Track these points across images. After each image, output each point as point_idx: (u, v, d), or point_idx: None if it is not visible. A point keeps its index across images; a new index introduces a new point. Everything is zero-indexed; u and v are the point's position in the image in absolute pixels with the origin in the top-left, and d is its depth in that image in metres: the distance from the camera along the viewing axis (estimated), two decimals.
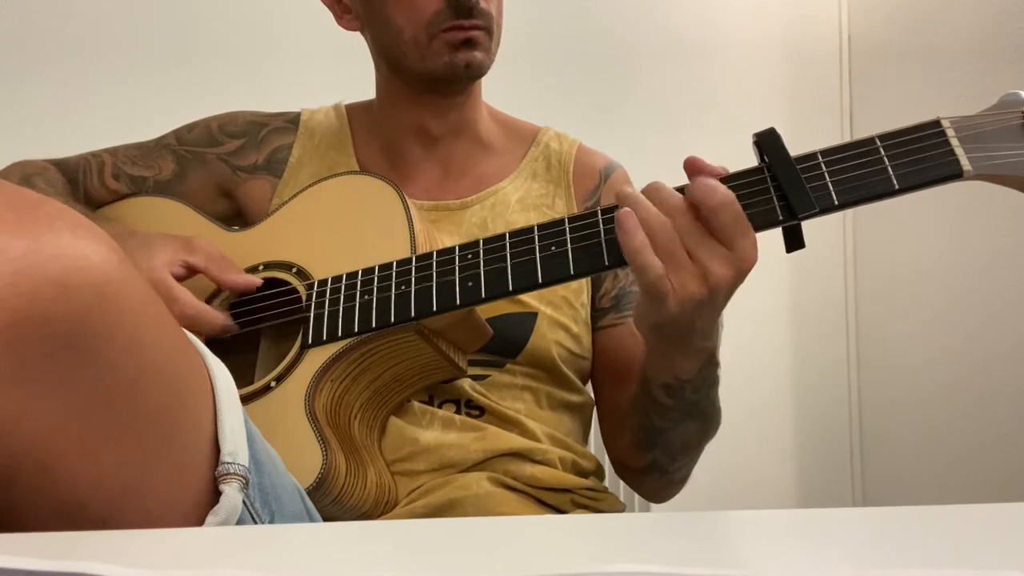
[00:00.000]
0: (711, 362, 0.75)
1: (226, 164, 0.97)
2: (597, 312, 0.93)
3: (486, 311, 0.83)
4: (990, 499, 0.61)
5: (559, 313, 0.88)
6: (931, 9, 1.75)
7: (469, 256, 0.75)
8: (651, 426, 0.81)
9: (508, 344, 0.86)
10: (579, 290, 0.91)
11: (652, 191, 0.68)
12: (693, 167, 0.68)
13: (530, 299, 0.87)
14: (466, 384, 0.84)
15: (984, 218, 1.62)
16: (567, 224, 0.73)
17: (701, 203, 0.65)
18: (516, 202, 0.92)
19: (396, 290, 0.76)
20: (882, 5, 1.90)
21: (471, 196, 0.93)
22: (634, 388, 0.81)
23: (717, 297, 0.66)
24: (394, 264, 0.78)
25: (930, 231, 1.75)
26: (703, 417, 0.81)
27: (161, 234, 0.86)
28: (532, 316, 0.86)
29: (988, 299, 1.62)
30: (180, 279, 0.82)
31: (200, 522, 0.47)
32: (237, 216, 0.97)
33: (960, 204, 1.65)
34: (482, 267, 0.74)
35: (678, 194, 0.66)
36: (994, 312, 1.61)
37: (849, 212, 1.96)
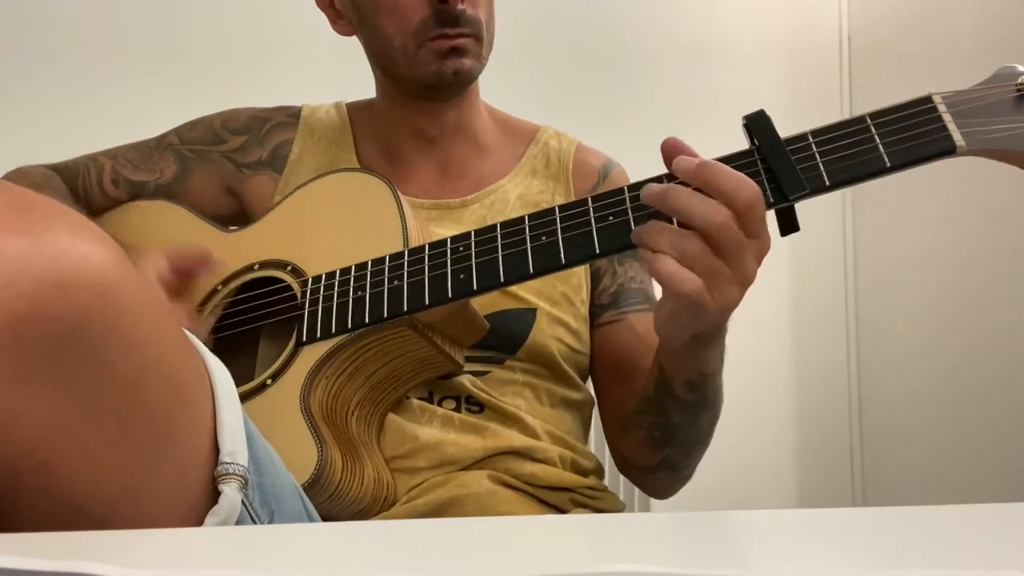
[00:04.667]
0: (723, 348, 0.76)
1: (231, 161, 0.97)
2: (596, 308, 0.92)
3: (485, 307, 0.83)
4: (990, 499, 0.61)
5: (559, 309, 0.88)
6: (931, 9, 1.75)
7: (460, 248, 0.75)
8: (668, 423, 0.81)
9: (507, 340, 0.86)
10: (579, 286, 0.90)
11: (684, 206, 0.63)
12: (674, 149, 0.66)
13: (529, 295, 0.86)
14: (466, 380, 0.84)
15: (984, 214, 1.62)
16: (558, 214, 0.72)
17: (734, 201, 0.62)
18: (516, 199, 0.92)
19: (388, 284, 0.76)
20: (882, 5, 1.90)
21: (470, 195, 0.93)
22: (649, 389, 0.80)
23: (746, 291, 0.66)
24: (387, 258, 0.78)
25: (930, 229, 1.75)
26: (714, 406, 0.81)
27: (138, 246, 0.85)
28: (531, 312, 0.86)
29: (989, 298, 1.62)
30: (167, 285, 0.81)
31: (199, 522, 0.47)
32: (242, 214, 0.97)
33: (960, 199, 1.66)
34: (474, 259, 0.74)
35: (722, 209, 0.62)
36: (995, 312, 1.61)
37: (849, 210, 1.96)
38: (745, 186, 0.63)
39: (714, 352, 0.73)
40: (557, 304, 0.88)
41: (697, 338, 0.70)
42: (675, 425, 0.81)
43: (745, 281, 0.64)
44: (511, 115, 1.01)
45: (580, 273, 0.91)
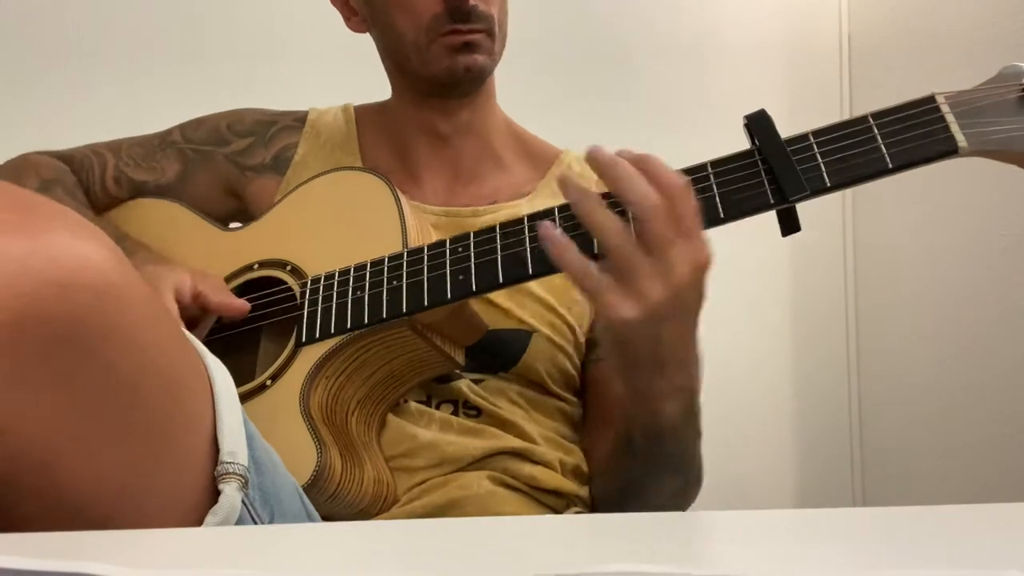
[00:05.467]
0: (692, 409, 0.70)
1: (234, 164, 0.96)
2: (589, 340, 0.90)
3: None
4: (990, 499, 0.61)
5: (557, 334, 0.86)
6: (931, 9, 1.75)
7: (459, 249, 0.75)
8: (630, 483, 0.78)
9: (500, 359, 0.85)
10: (581, 316, 0.88)
11: (620, 182, 0.62)
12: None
13: (530, 317, 0.85)
14: (463, 385, 0.84)
15: (985, 214, 1.62)
16: (557, 214, 0.72)
17: (664, 191, 0.61)
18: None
19: (387, 285, 0.76)
20: (882, 5, 1.90)
21: (482, 206, 0.91)
22: (612, 443, 0.77)
23: (678, 298, 0.62)
24: (385, 259, 0.78)
25: (931, 229, 1.75)
26: (685, 472, 0.77)
27: (186, 265, 0.85)
28: (528, 335, 0.85)
29: (989, 299, 1.62)
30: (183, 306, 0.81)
31: (199, 522, 0.47)
32: (243, 215, 0.97)
33: (961, 200, 1.66)
34: (472, 260, 0.74)
35: (656, 194, 0.61)
36: (995, 312, 1.61)
37: (849, 209, 1.96)
38: (677, 178, 0.62)
39: (669, 403, 0.67)
40: (556, 330, 0.86)
41: (631, 355, 0.65)
42: (637, 484, 0.77)
43: (671, 280, 0.61)
44: (532, 134, 1.00)
45: (585, 304, 0.88)
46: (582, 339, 0.89)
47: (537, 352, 0.85)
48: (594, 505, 0.88)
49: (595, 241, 0.65)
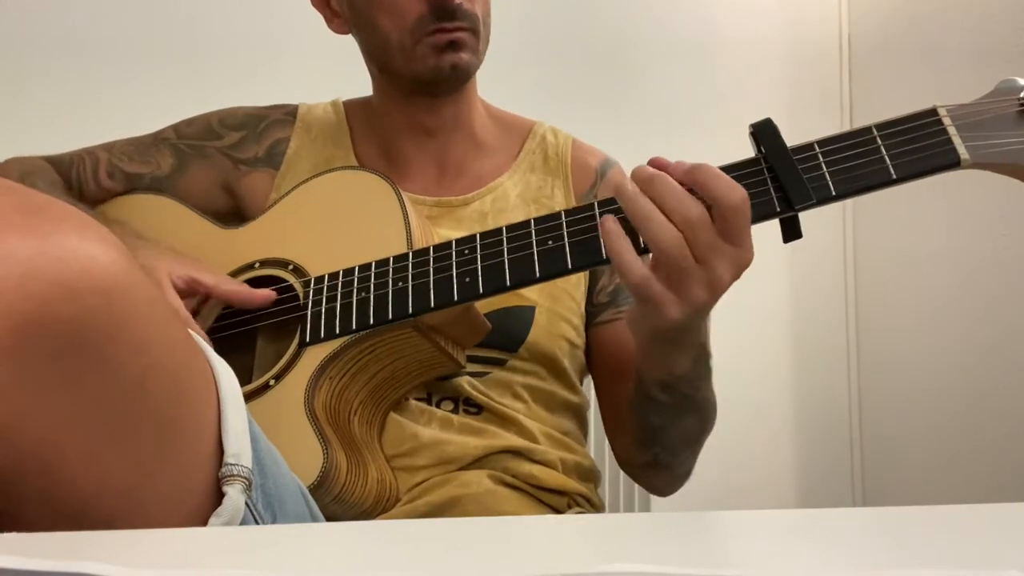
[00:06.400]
0: (703, 355, 0.75)
1: (227, 158, 0.96)
2: (595, 307, 0.92)
3: (485, 305, 0.83)
4: (990, 499, 0.61)
5: (559, 306, 0.88)
6: (931, 8, 1.76)
7: (466, 251, 0.75)
8: (649, 424, 0.81)
9: (508, 338, 0.86)
10: (576, 283, 0.91)
11: (663, 194, 0.64)
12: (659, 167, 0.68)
13: (529, 292, 0.86)
14: (464, 382, 0.84)
15: (983, 215, 1.62)
16: (564, 218, 0.73)
17: (718, 201, 0.63)
18: (516, 196, 0.92)
19: (393, 286, 0.76)
20: (882, 5, 1.90)
21: (471, 193, 0.93)
22: (630, 388, 0.81)
23: (717, 298, 0.65)
24: (391, 260, 0.78)
25: (930, 230, 1.75)
26: (699, 410, 0.81)
27: (172, 248, 0.85)
28: (531, 309, 0.86)
29: (988, 299, 1.62)
30: (178, 291, 0.81)
31: (203, 523, 0.47)
32: (236, 211, 0.97)
33: (960, 201, 1.66)
34: (479, 262, 0.74)
35: (699, 204, 0.63)
36: (994, 312, 1.61)
37: (849, 211, 1.96)
38: (735, 191, 0.63)
39: (683, 355, 0.72)
40: (558, 300, 0.88)
41: (662, 337, 0.69)
42: (656, 426, 0.81)
43: (715, 286, 0.64)
44: (505, 111, 1.01)
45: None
46: (580, 305, 0.91)
47: (543, 325, 0.86)
48: (619, 459, 0.91)
49: (640, 239, 0.67)
